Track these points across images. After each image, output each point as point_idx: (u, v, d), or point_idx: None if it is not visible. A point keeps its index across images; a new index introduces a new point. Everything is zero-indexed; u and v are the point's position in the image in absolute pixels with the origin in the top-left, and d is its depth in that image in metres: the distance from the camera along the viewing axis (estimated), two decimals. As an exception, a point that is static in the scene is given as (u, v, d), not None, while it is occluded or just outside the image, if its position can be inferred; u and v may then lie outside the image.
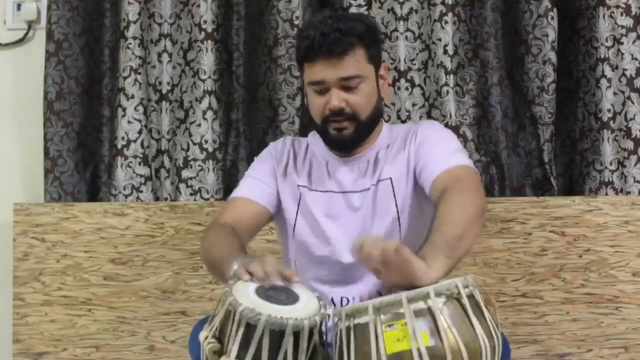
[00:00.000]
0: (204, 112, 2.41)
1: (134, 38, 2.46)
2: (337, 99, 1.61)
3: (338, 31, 1.57)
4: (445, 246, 1.33)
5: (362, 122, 1.64)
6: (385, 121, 2.33)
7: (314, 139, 1.78)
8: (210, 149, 2.41)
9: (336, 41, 1.57)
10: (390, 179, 1.66)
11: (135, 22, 2.46)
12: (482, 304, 1.25)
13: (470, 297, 1.24)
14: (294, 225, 1.71)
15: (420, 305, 1.19)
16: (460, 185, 1.50)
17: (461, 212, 1.41)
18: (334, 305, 1.63)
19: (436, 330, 1.17)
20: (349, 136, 1.65)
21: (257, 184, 1.74)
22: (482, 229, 1.51)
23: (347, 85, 1.61)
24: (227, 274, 1.41)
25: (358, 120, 1.63)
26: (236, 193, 1.75)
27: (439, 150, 1.63)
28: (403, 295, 1.20)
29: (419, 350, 1.16)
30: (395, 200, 1.65)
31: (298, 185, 1.72)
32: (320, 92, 1.63)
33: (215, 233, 1.63)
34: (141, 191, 2.45)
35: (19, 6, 2.60)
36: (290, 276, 1.35)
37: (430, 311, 1.19)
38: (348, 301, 1.63)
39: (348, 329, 1.25)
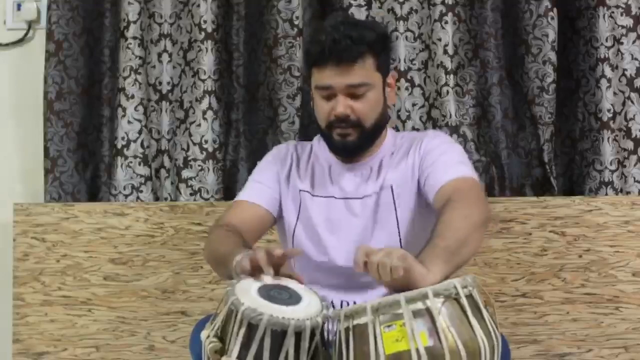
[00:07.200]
0: (204, 112, 2.41)
1: (134, 38, 2.45)
2: (343, 105, 1.61)
3: (349, 39, 1.58)
4: (445, 251, 1.33)
5: (367, 129, 1.65)
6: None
7: (318, 143, 1.78)
8: (210, 149, 2.41)
9: (347, 48, 1.58)
10: (391, 186, 1.66)
11: (135, 22, 2.45)
12: (480, 304, 1.25)
13: (469, 297, 1.24)
14: (294, 230, 1.71)
15: (419, 305, 1.20)
16: (464, 195, 1.50)
17: (464, 220, 1.42)
18: (334, 307, 1.62)
19: (435, 331, 1.18)
20: (352, 143, 1.65)
21: (261, 188, 1.74)
22: (483, 240, 1.51)
23: (353, 92, 1.62)
24: (231, 267, 1.42)
25: (362, 127, 1.64)
26: (240, 196, 1.76)
27: (445, 161, 1.63)
28: (401, 296, 1.20)
29: (417, 350, 1.16)
30: (396, 208, 1.65)
31: (300, 190, 1.72)
32: (327, 98, 1.64)
33: (219, 232, 1.64)
34: (141, 191, 2.45)
35: (19, 6, 2.59)
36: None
37: (428, 311, 1.19)
38: (348, 304, 1.62)
39: (347, 330, 1.25)
